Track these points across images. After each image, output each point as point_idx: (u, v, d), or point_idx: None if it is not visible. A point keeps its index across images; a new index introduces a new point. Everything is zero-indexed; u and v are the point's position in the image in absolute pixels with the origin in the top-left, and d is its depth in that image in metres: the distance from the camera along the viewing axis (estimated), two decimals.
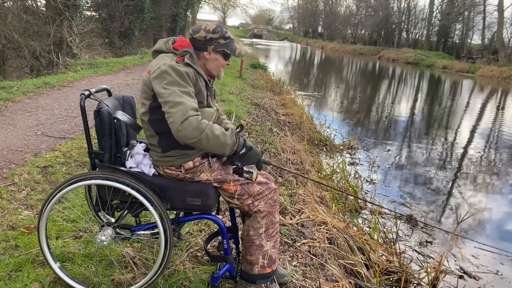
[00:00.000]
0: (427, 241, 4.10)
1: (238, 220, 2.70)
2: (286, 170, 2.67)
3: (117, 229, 2.06)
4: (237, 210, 2.62)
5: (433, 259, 3.74)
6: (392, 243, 3.74)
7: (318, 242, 2.97)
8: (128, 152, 2.08)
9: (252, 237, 2.02)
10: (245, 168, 1.93)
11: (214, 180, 1.97)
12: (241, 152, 1.84)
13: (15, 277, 2.11)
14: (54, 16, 10.29)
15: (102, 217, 2.18)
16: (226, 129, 1.84)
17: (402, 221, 4.49)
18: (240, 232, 2.19)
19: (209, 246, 2.34)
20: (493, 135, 10.01)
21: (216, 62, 1.98)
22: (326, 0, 64.73)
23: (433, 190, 5.75)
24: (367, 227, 4.18)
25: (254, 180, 1.95)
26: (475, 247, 4.10)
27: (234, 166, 1.94)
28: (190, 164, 1.94)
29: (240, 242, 2.12)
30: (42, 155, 3.97)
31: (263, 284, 2.06)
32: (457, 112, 13.08)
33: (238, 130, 2.01)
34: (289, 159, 5.07)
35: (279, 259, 2.60)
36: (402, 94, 17.07)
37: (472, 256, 3.92)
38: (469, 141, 9.18)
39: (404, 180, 6.10)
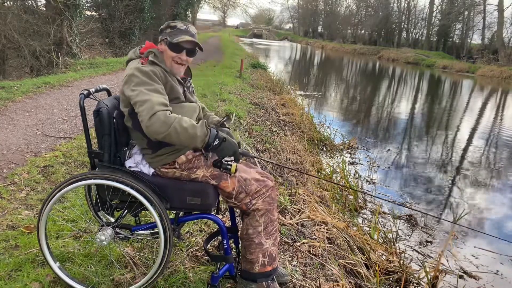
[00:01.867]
0: (427, 241, 4.10)
1: (238, 220, 2.70)
2: (267, 161, 2.68)
3: (116, 228, 2.05)
4: (237, 210, 2.62)
5: (433, 258, 3.74)
6: (392, 243, 3.74)
7: (318, 242, 2.96)
8: (127, 151, 2.08)
9: (251, 236, 2.02)
10: (223, 161, 1.90)
11: (211, 176, 1.96)
12: (214, 144, 1.80)
13: (15, 276, 2.11)
14: (54, 16, 10.29)
15: (101, 216, 2.17)
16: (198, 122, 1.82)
17: (402, 220, 4.49)
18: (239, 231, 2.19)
19: (209, 245, 2.34)
20: (493, 135, 10.01)
21: (165, 54, 1.98)
22: (326, 0, 64.76)
23: (433, 190, 5.74)
24: (367, 227, 4.17)
25: (233, 173, 1.90)
26: (475, 246, 4.10)
27: (214, 159, 1.93)
28: (183, 158, 1.94)
29: (240, 241, 2.12)
30: (42, 155, 3.97)
31: (264, 283, 2.05)
32: (457, 112, 13.08)
33: (224, 119, 2.01)
34: (289, 159, 5.07)
35: (279, 259, 2.60)
36: (402, 94, 17.06)
37: (472, 255, 3.92)
38: (469, 141, 9.18)
39: (404, 179, 6.10)
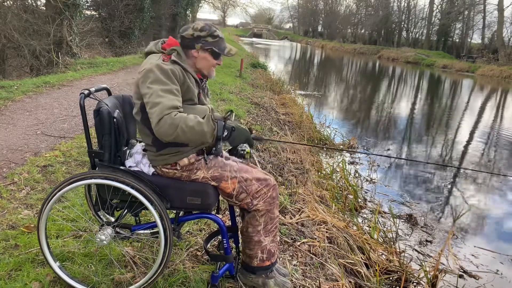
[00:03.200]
0: (427, 240, 4.10)
1: (238, 219, 2.70)
2: (281, 142, 2.70)
3: (116, 228, 2.06)
4: (237, 210, 2.63)
5: (433, 258, 3.74)
6: (392, 243, 3.74)
7: (318, 241, 2.97)
8: (127, 151, 2.08)
9: (250, 234, 2.06)
10: (238, 148, 1.94)
11: (211, 177, 1.96)
12: (224, 135, 1.81)
13: (15, 276, 2.11)
14: (54, 15, 10.28)
15: (102, 216, 2.17)
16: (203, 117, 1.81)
17: (402, 220, 4.49)
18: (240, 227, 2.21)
19: (209, 245, 2.34)
20: (493, 135, 10.01)
21: (205, 61, 1.97)
22: None
23: (433, 189, 5.74)
24: (367, 226, 4.18)
25: (248, 158, 1.95)
26: (474, 246, 4.10)
27: (229, 148, 1.97)
28: (185, 161, 1.94)
29: (240, 235, 2.15)
30: (42, 155, 3.97)
31: (262, 275, 2.12)
32: (457, 112, 13.08)
33: (227, 115, 2.01)
34: (289, 158, 5.07)
35: (279, 258, 2.61)
36: (402, 93, 17.06)
37: (472, 255, 3.92)
38: (469, 140, 9.18)
39: (404, 179, 6.10)
